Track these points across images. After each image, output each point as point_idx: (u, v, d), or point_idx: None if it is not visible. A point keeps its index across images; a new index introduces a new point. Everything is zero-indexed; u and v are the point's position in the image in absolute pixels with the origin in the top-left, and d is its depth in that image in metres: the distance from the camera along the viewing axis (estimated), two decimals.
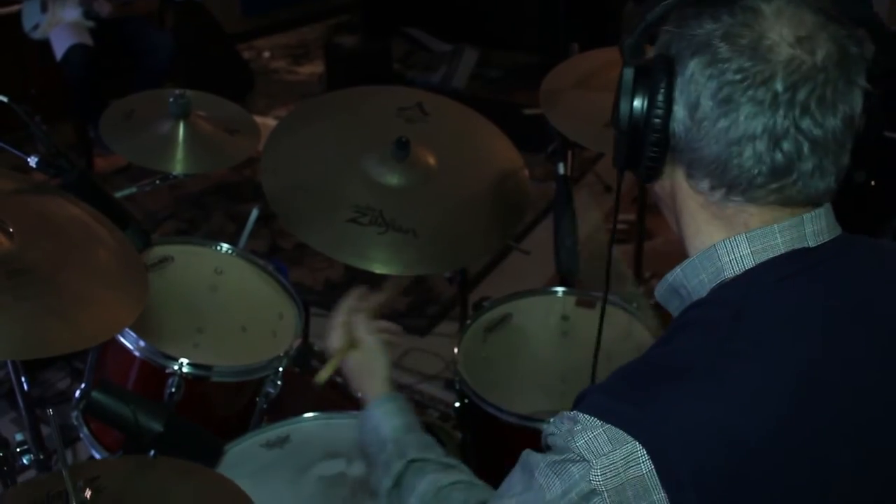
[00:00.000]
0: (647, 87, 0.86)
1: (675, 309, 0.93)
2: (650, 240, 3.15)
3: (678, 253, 0.94)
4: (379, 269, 1.60)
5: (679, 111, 0.85)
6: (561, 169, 1.76)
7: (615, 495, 0.78)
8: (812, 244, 0.86)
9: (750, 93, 0.80)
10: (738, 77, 0.80)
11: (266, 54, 5.98)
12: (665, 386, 0.80)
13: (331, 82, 5.14)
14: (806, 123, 0.80)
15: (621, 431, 0.78)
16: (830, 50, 0.81)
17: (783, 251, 0.85)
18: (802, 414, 0.79)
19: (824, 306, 0.84)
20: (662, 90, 0.84)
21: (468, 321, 1.79)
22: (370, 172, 1.66)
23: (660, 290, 0.95)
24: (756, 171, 0.82)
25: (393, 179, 1.65)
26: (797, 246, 0.85)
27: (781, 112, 0.80)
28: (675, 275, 0.91)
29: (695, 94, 0.83)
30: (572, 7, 5.38)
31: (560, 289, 1.86)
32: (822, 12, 0.82)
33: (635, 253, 2.86)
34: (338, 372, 1.33)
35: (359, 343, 1.32)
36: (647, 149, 0.87)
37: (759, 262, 0.85)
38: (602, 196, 3.89)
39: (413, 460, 1.13)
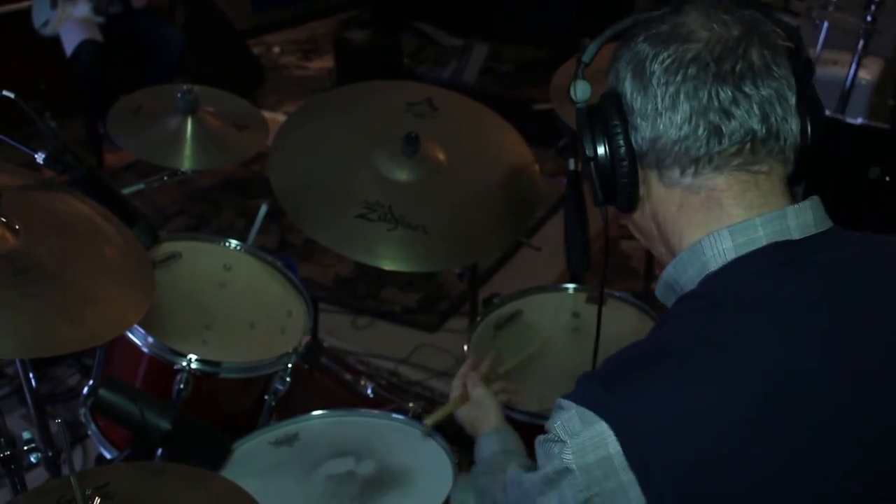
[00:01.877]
0: (602, 128, 0.92)
1: (670, 304, 0.95)
2: None
3: None
4: (388, 266, 1.60)
5: (640, 124, 0.90)
6: (572, 164, 1.75)
7: (585, 474, 0.82)
8: (797, 237, 0.87)
9: (682, 72, 0.86)
10: (668, 63, 0.86)
11: (276, 49, 5.97)
12: (642, 371, 0.83)
13: (340, 77, 5.12)
14: (748, 87, 0.85)
15: (591, 413, 0.82)
16: (745, 27, 0.87)
17: (765, 244, 0.87)
18: (776, 404, 0.80)
19: (805, 297, 0.85)
20: (618, 127, 0.91)
21: (478, 317, 1.77)
22: (379, 168, 1.65)
23: (658, 288, 0.98)
24: (715, 139, 0.86)
25: (402, 175, 1.64)
26: (780, 238, 0.87)
27: (720, 81, 0.85)
28: (668, 272, 0.94)
29: (642, 103, 0.89)
30: (583, 1, 5.36)
31: (571, 285, 1.85)
32: (728, 10, 0.89)
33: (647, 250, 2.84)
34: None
35: (471, 396, 1.41)
36: (619, 181, 0.93)
37: (741, 254, 0.87)
38: None
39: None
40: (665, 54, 0.87)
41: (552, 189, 2.99)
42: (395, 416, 1.53)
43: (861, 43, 2.80)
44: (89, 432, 1.64)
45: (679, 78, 0.86)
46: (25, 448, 1.37)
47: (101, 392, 1.24)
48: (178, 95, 1.87)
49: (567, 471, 0.83)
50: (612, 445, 0.80)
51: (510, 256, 3.29)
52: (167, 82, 3.50)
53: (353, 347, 2.70)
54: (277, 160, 1.69)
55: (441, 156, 1.69)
